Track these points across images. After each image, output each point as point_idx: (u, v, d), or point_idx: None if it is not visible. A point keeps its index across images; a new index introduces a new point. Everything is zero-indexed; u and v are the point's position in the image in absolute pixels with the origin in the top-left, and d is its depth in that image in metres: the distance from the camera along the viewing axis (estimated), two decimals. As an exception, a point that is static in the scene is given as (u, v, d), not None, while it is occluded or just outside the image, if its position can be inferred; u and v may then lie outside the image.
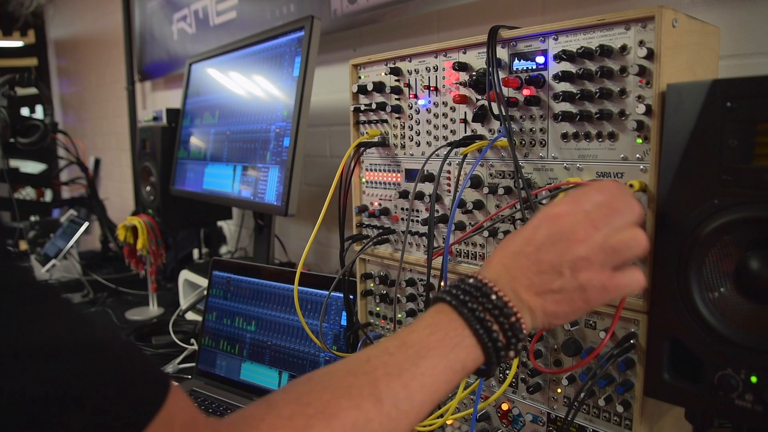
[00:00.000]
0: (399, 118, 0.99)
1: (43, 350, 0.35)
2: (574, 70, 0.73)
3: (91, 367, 0.37)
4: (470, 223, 0.89)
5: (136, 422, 0.38)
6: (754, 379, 0.58)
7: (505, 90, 0.81)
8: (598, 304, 0.55)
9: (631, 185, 0.68)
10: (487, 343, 0.52)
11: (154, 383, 0.41)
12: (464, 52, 0.87)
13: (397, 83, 0.97)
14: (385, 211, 1.02)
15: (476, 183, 0.87)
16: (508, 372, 0.85)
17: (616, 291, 0.55)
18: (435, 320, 0.53)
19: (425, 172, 0.93)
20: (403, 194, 0.99)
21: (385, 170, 1.03)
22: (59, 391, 0.34)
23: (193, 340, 1.44)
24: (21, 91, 2.51)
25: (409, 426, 0.50)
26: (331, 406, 0.47)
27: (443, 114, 0.92)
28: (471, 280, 0.55)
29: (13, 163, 2.54)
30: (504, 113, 0.78)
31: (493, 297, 0.53)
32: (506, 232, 0.83)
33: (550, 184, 0.78)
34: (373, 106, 1.01)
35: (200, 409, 0.45)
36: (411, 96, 0.96)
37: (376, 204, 1.05)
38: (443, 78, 0.91)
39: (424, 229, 0.96)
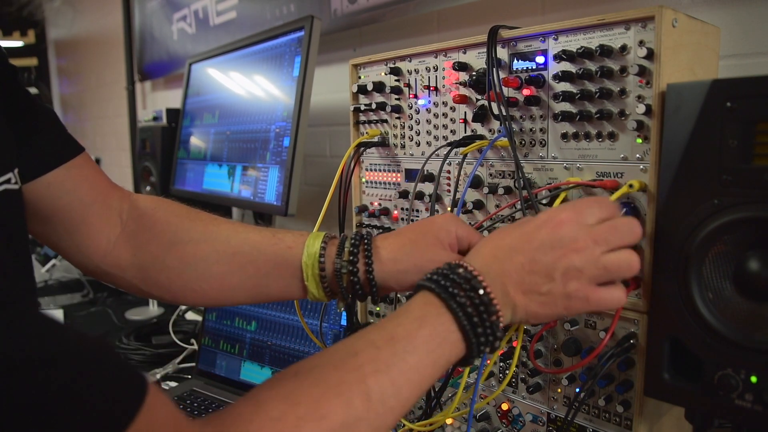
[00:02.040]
0: (399, 118, 0.99)
1: (9, 364, 0.33)
2: (574, 70, 0.73)
3: (63, 374, 0.35)
4: (470, 223, 0.89)
5: (113, 427, 0.36)
6: (754, 379, 0.58)
7: (505, 90, 0.81)
8: (577, 313, 0.59)
9: (631, 185, 0.68)
10: (472, 339, 0.52)
11: (130, 385, 0.39)
12: (464, 52, 0.87)
13: (397, 83, 0.98)
14: (385, 211, 1.02)
15: (476, 183, 0.87)
16: (507, 372, 0.85)
17: (597, 305, 0.57)
18: (423, 313, 0.53)
19: (425, 172, 0.93)
20: (403, 194, 0.99)
21: (385, 170, 1.03)
22: (30, 403, 0.33)
23: (193, 340, 1.44)
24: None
25: (394, 421, 0.50)
26: (321, 405, 0.46)
27: (443, 114, 0.92)
28: (461, 270, 0.55)
29: (13, 163, 2.54)
30: (504, 113, 0.78)
31: (481, 292, 0.53)
32: (506, 232, 0.83)
33: (550, 183, 0.78)
34: (373, 106, 1.01)
35: (180, 410, 0.43)
36: (411, 96, 0.96)
37: (376, 204, 1.05)
38: (443, 78, 0.91)
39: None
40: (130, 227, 0.75)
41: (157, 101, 3.00)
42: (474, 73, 0.84)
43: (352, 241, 0.67)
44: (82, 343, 0.38)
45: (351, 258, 0.66)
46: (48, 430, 0.33)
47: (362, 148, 1.04)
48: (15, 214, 0.61)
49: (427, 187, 0.95)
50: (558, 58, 0.74)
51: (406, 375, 0.50)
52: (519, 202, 0.77)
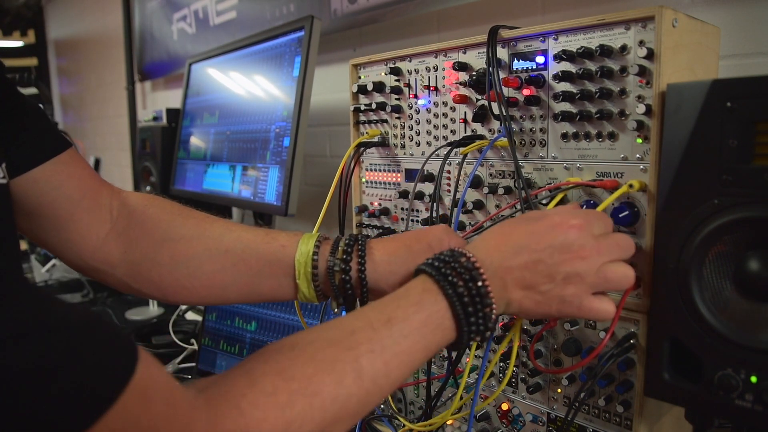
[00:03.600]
0: (399, 118, 0.99)
1: (2, 337, 0.34)
2: (574, 70, 0.73)
3: (53, 345, 0.36)
4: (470, 223, 0.89)
5: (102, 397, 0.36)
6: (754, 379, 0.58)
7: (505, 90, 0.81)
8: (566, 317, 0.60)
9: (631, 185, 0.68)
10: (464, 328, 0.54)
11: (120, 354, 0.39)
12: (464, 52, 0.87)
13: (397, 83, 0.98)
14: (385, 211, 1.02)
15: (476, 183, 0.87)
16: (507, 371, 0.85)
17: (588, 313, 0.58)
18: (421, 299, 0.54)
19: (425, 172, 0.93)
20: (403, 194, 0.99)
21: (385, 170, 1.03)
22: (20, 373, 0.34)
23: (193, 340, 1.44)
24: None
25: (380, 399, 0.52)
26: (314, 382, 0.47)
27: (443, 114, 0.92)
28: (463, 260, 0.55)
29: (13, 163, 2.53)
30: (504, 113, 0.78)
31: (479, 283, 0.54)
32: (506, 232, 0.83)
33: (550, 184, 0.78)
34: (373, 106, 1.01)
35: (172, 377, 0.43)
36: (411, 96, 0.96)
37: (376, 204, 1.05)
38: (443, 78, 0.91)
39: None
40: (120, 224, 0.75)
41: (157, 101, 3.00)
42: (474, 73, 0.84)
43: (347, 241, 0.68)
44: (69, 313, 0.39)
45: (344, 257, 0.66)
46: (30, 405, 0.34)
47: (362, 148, 1.04)
48: (3, 209, 0.61)
49: (427, 187, 0.95)
50: (558, 58, 0.74)
51: (399, 357, 0.51)
52: (519, 203, 0.77)
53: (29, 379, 0.34)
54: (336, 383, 0.48)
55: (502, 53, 0.81)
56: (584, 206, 0.72)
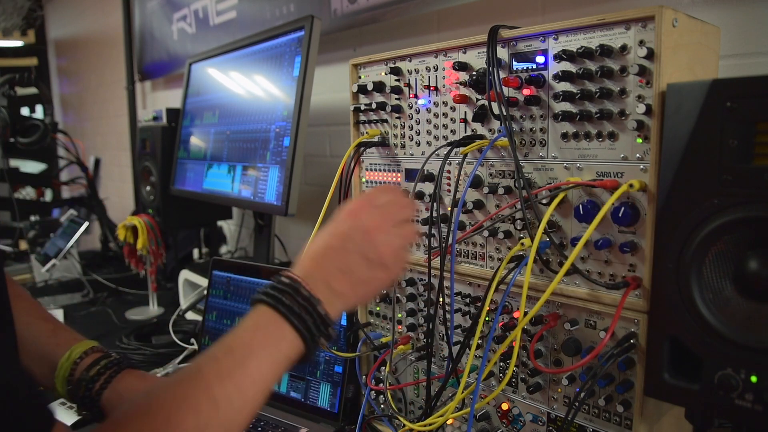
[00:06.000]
0: (399, 117, 0.99)
1: None
2: (574, 70, 0.73)
3: None
4: (470, 223, 0.89)
5: None
6: (754, 379, 0.58)
7: (505, 90, 0.81)
8: (398, 271, 0.66)
9: (631, 185, 0.68)
10: (305, 334, 0.58)
11: (34, 420, 0.42)
12: (464, 52, 0.87)
13: (397, 83, 0.98)
14: (385, 211, 1.02)
15: (476, 183, 0.87)
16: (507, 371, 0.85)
17: (401, 240, 0.65)
18: (256, 321, 0.58)
19: (425, 172, 0.93)
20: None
21: (385, 170, 1.03)
22: None
23: (193, 340, 1.44)
24: (21, 91, 2.52)
25: (247, 419, 0.55)
26: (173, 416, 0.50)
27: (443, 114, 0.92)
28: (284, 279, 0.61)
29: (13, 162, 2.54)
30: (504, 113, 0.78)
31: (303, 291, 0.59)
32: (506, 232, 0.83)
33: (550, 183, 0.78)
34: (373, 106, 1.01)
35: None
36: (411, 96, 0.96)
37: (376, 204, 1.05)
38: (443, 78, 0.91)
39: (424, 229, 0.96)
40: None
41: (157, 101, 3.00)
42: (474, 73, 0.84)
43: (107, 363, 0.75)
44: None
45: (94, 376, 0.73)
46: None
47: (362, 148, 1.04)
48: None
49: (427, 187, 0.95)
50: (558, 57, 0.74)
51: (249, 377, 0.55)
52: (519, 202, 0.77)
53: None
54: (194, 415, 0.51)
55: (502, 53, 0.81)
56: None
